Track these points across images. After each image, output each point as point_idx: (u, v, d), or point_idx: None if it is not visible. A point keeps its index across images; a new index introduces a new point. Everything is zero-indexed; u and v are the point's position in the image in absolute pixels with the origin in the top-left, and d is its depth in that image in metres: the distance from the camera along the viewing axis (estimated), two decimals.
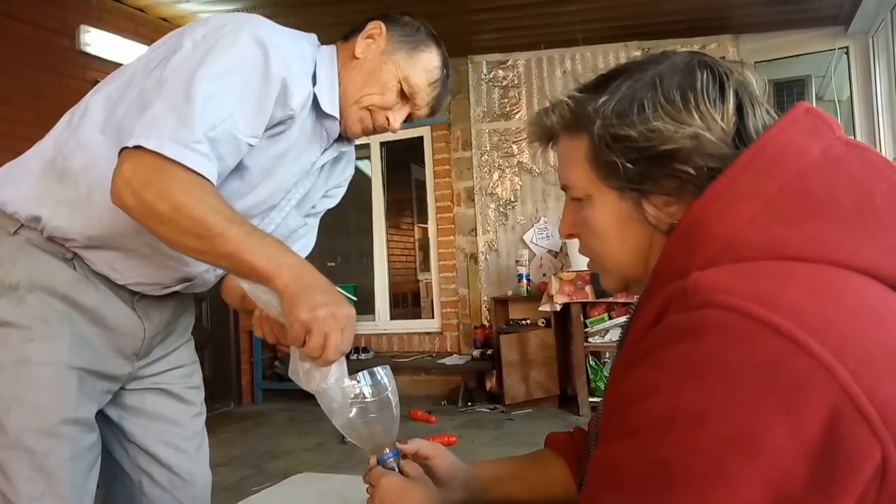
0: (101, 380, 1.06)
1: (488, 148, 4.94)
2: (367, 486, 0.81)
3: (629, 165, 0.61)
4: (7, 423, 0.96)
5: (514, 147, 4.86)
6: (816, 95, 4.55)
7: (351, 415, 0.82)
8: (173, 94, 0.89)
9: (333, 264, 6.12)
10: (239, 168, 1.00)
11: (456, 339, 5.03)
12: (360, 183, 5.83)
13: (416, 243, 7.58)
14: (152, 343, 1.13)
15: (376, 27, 1.07)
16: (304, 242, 1.25)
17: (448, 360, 4.74)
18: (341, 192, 1.28)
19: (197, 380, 1.24)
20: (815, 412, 0.46)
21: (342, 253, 6.25)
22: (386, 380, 0.84)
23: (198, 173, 0.87)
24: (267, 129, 0.98)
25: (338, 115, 1.07)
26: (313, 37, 1.10)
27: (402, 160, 5.93)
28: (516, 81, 4.86)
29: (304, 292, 0.85)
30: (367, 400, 0.83)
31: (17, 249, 1.00)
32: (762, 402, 0.46)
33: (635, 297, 0.69)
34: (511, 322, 4.60)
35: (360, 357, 5.03)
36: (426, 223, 5.37)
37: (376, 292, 5.41)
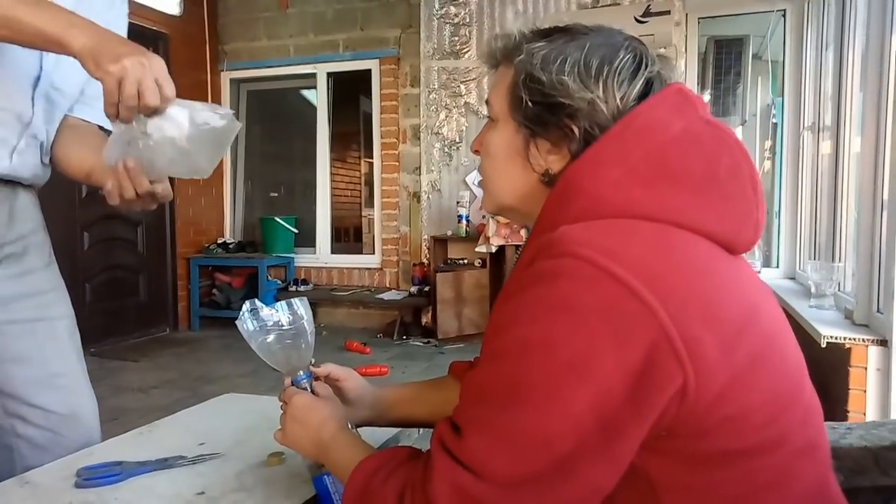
0: None
1: (436, 86, 4.92)
2: (281, 403, 0.89)
3: (530, 105, 0.70)
4: None
5: (462, 87, 4.87)
6: (754, 55, 4.69)
7: (269, 340, 0.90)
8: None
9: (276, 195, 6.04)
10: None
11: (395, 275, 5.14)
12: (305, 112, 5.71)
13: (363, 178, 7.51)
14: None
15: None
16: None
17: (386, 296, 4.87)
18: None
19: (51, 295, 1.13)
20: (638, 345, 0.56)
21: (286, 183, 6.16)
22: (302, 310, 0.92)
23: None
24: None
25: None
26: None
27: (350, 92, 5.81)
28: (468, 20, 4.82)
29: (107, 46, 0.82)
30: (283, 327, 0.90)
31: None
32: (598, 336, 0.57)
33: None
34: (449, 261, 4.73)
35: (298, 289, 5.09)
36: (373, 158, 5.35)
37: (318, 226, 5.43)
